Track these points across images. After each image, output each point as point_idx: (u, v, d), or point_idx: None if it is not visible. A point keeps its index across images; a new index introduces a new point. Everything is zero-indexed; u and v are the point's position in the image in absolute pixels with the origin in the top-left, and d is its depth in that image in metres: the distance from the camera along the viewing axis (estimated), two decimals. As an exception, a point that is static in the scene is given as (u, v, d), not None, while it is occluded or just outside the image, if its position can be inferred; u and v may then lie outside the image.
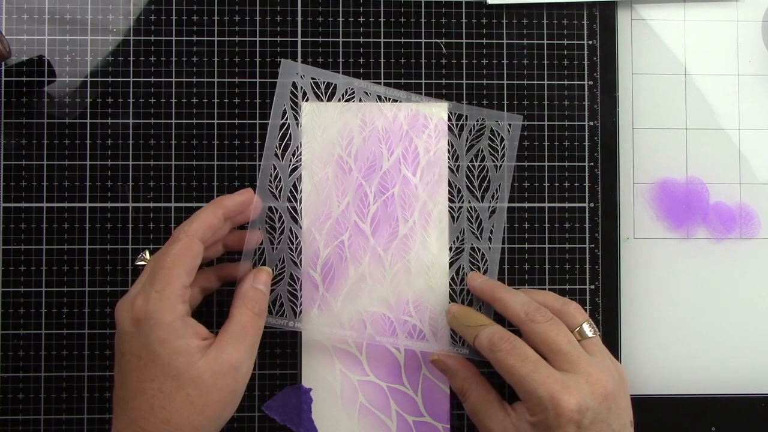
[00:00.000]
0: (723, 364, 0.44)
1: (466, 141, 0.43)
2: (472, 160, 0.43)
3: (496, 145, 0.43)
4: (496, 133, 0.43)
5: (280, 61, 0.43)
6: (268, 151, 0.42)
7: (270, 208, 0.42)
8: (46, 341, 0.42)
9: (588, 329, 0.38)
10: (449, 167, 0.43)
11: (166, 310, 0.34)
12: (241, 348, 0.36)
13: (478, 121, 0.43)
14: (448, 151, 0.43)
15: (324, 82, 0.43)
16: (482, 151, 0.43)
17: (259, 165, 0.43)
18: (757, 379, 0.45)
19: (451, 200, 0.43)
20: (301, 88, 0.43)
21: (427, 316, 0.43)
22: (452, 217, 0.43)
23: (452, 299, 0.43)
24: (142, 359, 0.34)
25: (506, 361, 0.36)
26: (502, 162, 0.43)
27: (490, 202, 0.43)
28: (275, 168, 0.42)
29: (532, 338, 0.37)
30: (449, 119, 0.43)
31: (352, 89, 0.43)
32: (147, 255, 0.39)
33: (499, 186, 0.43)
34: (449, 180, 0.43)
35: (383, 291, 0.42)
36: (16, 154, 0.42)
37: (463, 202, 0.43)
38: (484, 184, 0.43)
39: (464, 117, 0.43)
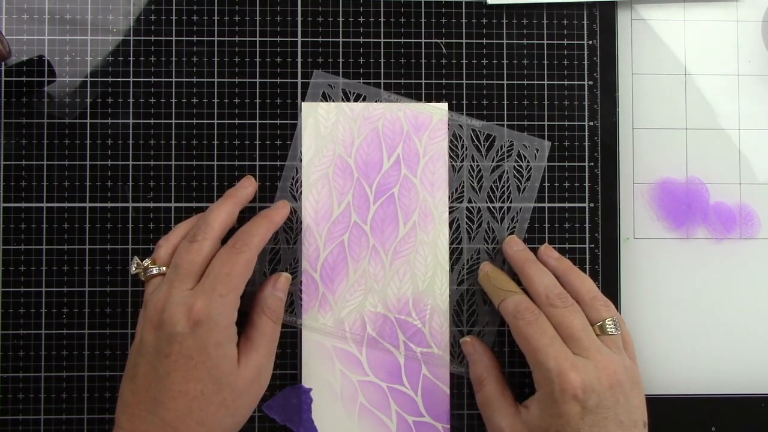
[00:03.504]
0: (723, 364, 0.44)
1: (492, 161, 0.43)
2: (495, 181, 0.43)
3: (522, 168, 0.43)
4: (522, 156, 0.43)
5: (311, 72, 0.43)
6: (292, 152, 0.43)
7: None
8: (46, 341, 0.42)
9: (610, 326, 0.38)
10: (450, 167, 0.43)
11: (226, 314, 0.35)
12: (263, 354, 0.38)
13: (505, 143, 0.43)
14: (454, 153, 0.43)
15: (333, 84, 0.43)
16: (507, 173, 0.43)
17: (259, 165, 0.43)
18: (757, 379, 0.45)
19: (451, 200, 0.43)
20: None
21: (427, 317, 0.43)
22: (452, 217, 0.43)
23: (452, 299, 0.43)
24: (193, 360, 0.34)
25: (526, 329, 0.37)
26: (527, 185, 0.43)
27: (510, 224, 0.43)
28: (297, 171, 0.43)
29: (550, 321, 0.38)
30: (477, 139, 0.43)
31: (356, 92, 0.43)
32: (139, 261, 0.38)
33: (521, 209, 0.43)
34: (449, 180, 0.43)
35: (383, 291, 0.42)
36: (16, 154, 0.42)
37: (463, 202, 0.43)
38: (505, 206, 0.43)
39: (492, 138, 0.43)
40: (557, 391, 0.35)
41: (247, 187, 0.41)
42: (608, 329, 0.38)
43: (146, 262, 0.38)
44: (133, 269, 0.38)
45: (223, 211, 0.38)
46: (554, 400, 0.36)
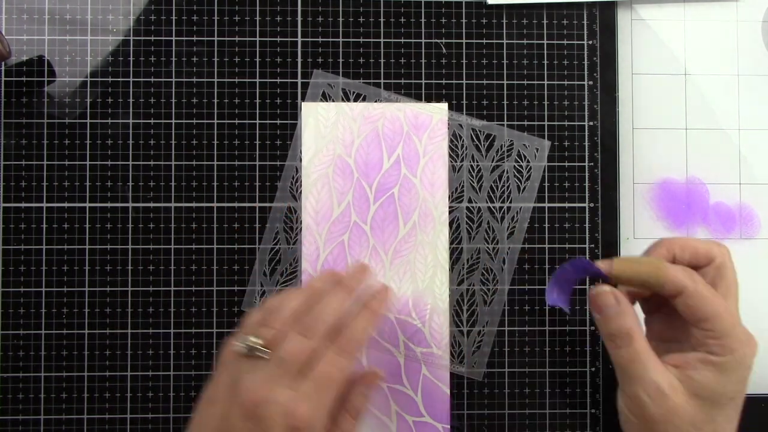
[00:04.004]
0: (723, 364, 0.44)
1: (492, 161, 0.43)
2: (495, 181, 0.43)
3: (522, 167, 0.43)
4: (522, 156, 0.43)
5: (311, 72, 0.43)
6: (292, 152, 0.43)
7: (288, 208, 0.42)
8: (46, 341, 0.42)
9: None
10: (450, 166, 0.43)
11: (323, 420, 0.34)
12: None
13: (505, 142, 0.43)
14: (454, 153, 0.43)
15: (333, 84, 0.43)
16: (507, 172, 0.43)
17: (259, 165, 0.43)
18: (757, 379, 0.44)
19: (451, 200, 0.43)
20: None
21: (427, 317, 0.43)
22: (452, 216, 0.43)
23: (452, 299, 0.43)
24: None
25: (709, 291, 0.36)
26: (526, 184, 0.43)
27: (510, 224, 0.43)
28: (297, 170, 0.43)
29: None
30: (477, 139, 0.43)
31: (355, 92, 0.43)
32: (254, 341, 0.34)
33: (521, 208, 0.43)
34: (449, 180, 0.43)
35: (383, 291, 0.42)
36: (16, 154, 0.42)
37: (463, 202, 0.43)
38: (505, 205, 0.43)
39: (492, 137, 0.43)
40: (748, 354, 0.35)
41: (361, 276, 0.39)
42: None
43: (255, 340, 0.34)
44: (241, 347, 0.34)
45: (336, 303, 0.36)
46: (741, 364, 0.35)
